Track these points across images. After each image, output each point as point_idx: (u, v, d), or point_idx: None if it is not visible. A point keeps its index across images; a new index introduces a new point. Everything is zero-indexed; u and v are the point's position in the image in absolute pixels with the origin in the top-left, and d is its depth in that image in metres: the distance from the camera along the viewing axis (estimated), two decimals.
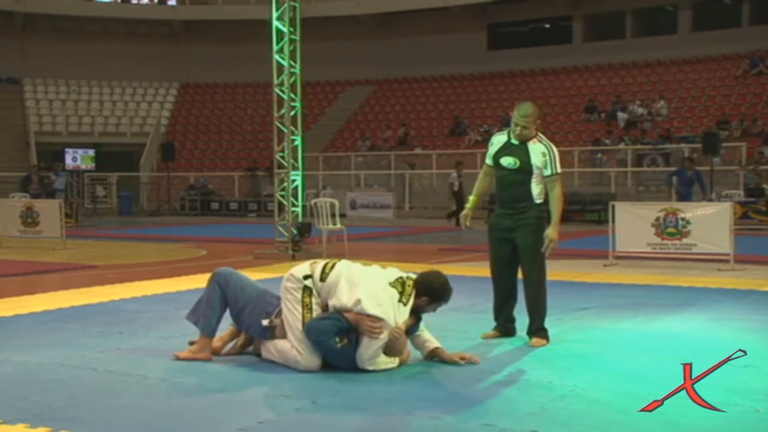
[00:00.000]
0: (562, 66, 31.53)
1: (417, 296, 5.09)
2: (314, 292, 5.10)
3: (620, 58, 30.93)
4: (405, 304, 5.03)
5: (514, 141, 5.94)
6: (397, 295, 5.02)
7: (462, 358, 5.21)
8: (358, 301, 4.93)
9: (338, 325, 4.93)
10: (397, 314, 4.99)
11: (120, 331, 6.34)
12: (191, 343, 5.52)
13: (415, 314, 5.13)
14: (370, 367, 4.93)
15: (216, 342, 5.46)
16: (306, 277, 5.15)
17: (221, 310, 5.39)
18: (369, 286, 5.02)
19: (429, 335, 5.29)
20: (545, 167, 5.86)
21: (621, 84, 29.73)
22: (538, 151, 5.87)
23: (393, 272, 5.20)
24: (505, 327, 6.08)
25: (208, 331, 5.37)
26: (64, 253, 13.28)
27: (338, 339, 4.93)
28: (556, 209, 5.90)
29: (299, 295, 5.09)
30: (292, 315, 5.08)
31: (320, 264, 5.24)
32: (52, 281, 9.85)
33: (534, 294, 5.92)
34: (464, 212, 6.29)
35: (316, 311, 5.06)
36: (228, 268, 5.62)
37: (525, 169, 5.87)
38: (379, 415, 4.19)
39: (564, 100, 29.91)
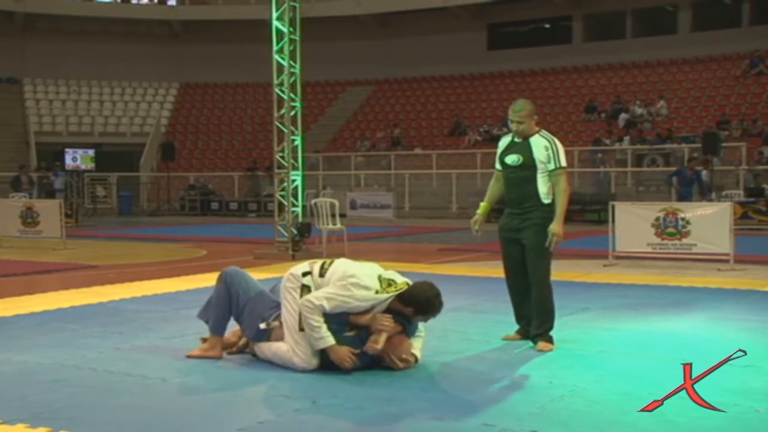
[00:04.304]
0: (562, 66, 31.51)
1: (401, 302, 5.02)
2: (312, 290, 5.11)
3: (620, 58, 30.92)
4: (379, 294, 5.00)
5: (517, 139, 5.92)
6: (378, 287, 5.00)
7: (401, 360, 5.06)
8: (345, 272, 5.02)
9: (339, 320, 4.97)
10: (375, 302, 4.99)
11: (120, 331, 6.34)
12: (203, 340, 5.55)
13: (401, 319, 5.05)
14: (307, 307, 4.89)
15: (231, 337, 5.54)
16: (305, 274, 5.17)
17: (228, 309, 5.40)
18: (361, 269, 5.11)
19: (418, 345, 5.22)
20: (548, 161, 5.77)
21: (621, 84, 29.71)
22: (540, 145, 5.81)
23: (391, 273, 5.19)
24: (527, 330, 5.94)
25: (217, 330, 5.42)
26: (64, 253, 13.27)
27: (348, 328, 4.97)
28: (560, 203, 5.76)
29: (297, 296, 5.10)
30: (291, 317, 5.08)
31: (319, 262, 5.29)
32: (52, 281, 9.85)
33: (539, 295, 5.80)
34: (475, 218, 6.13)
35: None
36: (235, 267, 5.64)
37: (528, 164, 5.79)
38: (379, 415, 4.18)
39: (564, 100, 29.89)
